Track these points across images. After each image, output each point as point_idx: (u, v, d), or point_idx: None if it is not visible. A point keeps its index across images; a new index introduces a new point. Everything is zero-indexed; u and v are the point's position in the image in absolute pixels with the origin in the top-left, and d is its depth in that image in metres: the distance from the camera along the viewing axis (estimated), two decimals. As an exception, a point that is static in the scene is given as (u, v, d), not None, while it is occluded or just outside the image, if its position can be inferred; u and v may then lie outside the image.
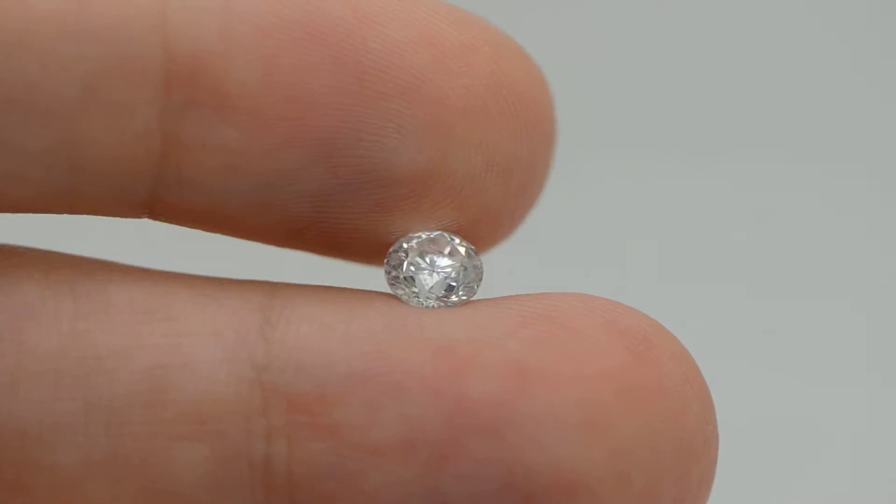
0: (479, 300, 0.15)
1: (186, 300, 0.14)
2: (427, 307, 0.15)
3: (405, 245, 0.15)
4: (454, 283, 0.15)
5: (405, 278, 0.15)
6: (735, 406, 0.22)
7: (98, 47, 0.13)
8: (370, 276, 0.17)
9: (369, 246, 0.15)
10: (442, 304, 0.15)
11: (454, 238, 0.15)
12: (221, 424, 0.14)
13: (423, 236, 0.15)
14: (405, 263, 0.15)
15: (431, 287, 0.15)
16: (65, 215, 0.14)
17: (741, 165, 0.40)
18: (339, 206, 0.14)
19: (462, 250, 0.15)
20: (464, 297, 0.15)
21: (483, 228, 0.15)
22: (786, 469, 0.35)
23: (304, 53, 0.14)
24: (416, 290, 0.15)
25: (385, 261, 0.15)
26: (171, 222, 0.15)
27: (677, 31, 0.41)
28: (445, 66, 0.14)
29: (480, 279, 0.15)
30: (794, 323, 0.38)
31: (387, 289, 0.15)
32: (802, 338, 0.37)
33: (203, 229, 0.15)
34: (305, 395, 0.14)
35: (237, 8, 0.14)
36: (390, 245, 0.15)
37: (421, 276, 0.15)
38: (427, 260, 0.15)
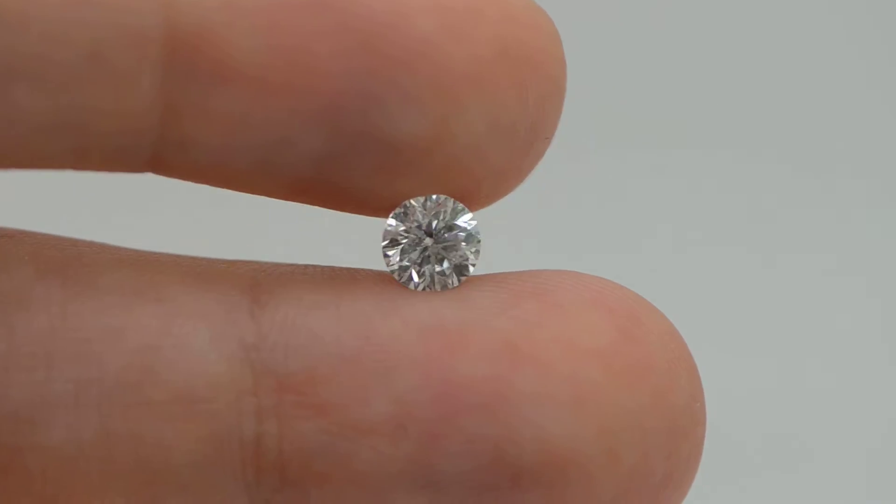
0: (468, 277, 0.15)
1: (176, 281, 0.14)
2: (421, 290, 0.15)
3: (403, 223, 0.15)
4: (448, 267, 0.15)
5: (400, 268, 0.15)
6: (723, 383, 0.22)
7: (100, 16, 0.13)
8: (361, 257, 0.17)
9: (374, 204, 0.15)
10: (441, 284, 0.15)
11: (455, 205, 0.15)
12: (212, 404, 0.14)
13: (424, 210, 0.15)
14: (401, 239, 0.15)
15: (425, 267, 0.15)
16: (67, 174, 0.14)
17: (740, 154, 0.40)
18: (342, 169, 0.14)
19: (462, 227, 0.15)
20: (461, 279, 0.15)
21: (487, 186, 0.15)
22: (774, 446, 0.35)
23: (308, 20, 0.13)
24: (411, 273, 0.15)
25: (382, 238, 0.15)
26: (174, 177, 0.15)
27: (685, 18, 0.41)
28: (451, 31, 0.14)
29: (473, 265, 0.15)
30: (783, 303, 0.38)
31: (377, 265, 0.15)
32: (793, 319, 0.37)
33: (206, 184, 0.15)
34: (295, 375, 0.14)
35: None
36: (395, 204, 0.15)
37: (414, 268, 0.15)
38: (423, 236, 0.15)
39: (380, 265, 0.15)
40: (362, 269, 0.15)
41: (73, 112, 0.13)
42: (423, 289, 0.15)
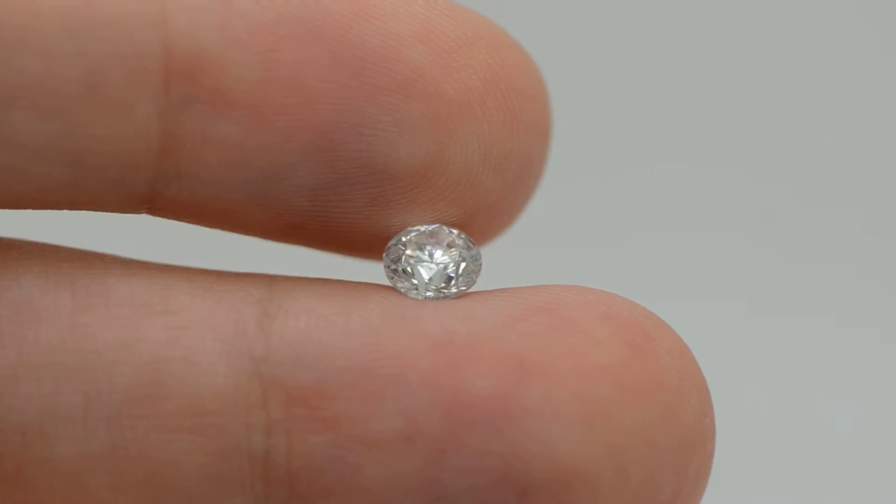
0: (477, 292, 0.15)
1: (185, 293, 0.14)
2: (426, 299, 0.15)
3: (404, 238, 0.15)
4: (452, 275, 0.15)
5: (404, 271, 0.15)
6: (732, 398, 0.22)
7: (99, 44, 0.13)
8: (369, 269, 0.17)
9: (368, 240, 0.15)
10: (441, 296, 0.15)
11: (452, 231, 0.15)
12: (220, 417, 0.14)
13: (422, 229, 0.15)
14: (404, 256, 0.15)
15: (430, 279, 0.15)
16: (65, 212, 0.14)
17: (742, 163, 0.40)
18: (337, 201, 0.14)
19: (460, 242, 0.15)
20: (462, 289, 0.15)
21: (480, 221, 0.15)
22: (782, 461, 0.35)
23: (302, 49, 0.14)
24: (414, 282, 0.15)
25: (384, 254, 0.15)
26: (169, 217, 0.15)
27: (680, 29, 0.41)
28: (442, 61, 0.14)
29: (479, 270, 0.15)
30: (790, 316, 0.38)
31: (385, 282, 0.15)
32: (801, 331, 0.37)
33: (202, 224, 0.15)
34: (304, 388, 0.14)
35: (236, 4, 0.14)
36: (388, 239, 0.15)
37: (419, 269, 0.15)
38: (425, 252, 0.15)
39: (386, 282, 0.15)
40: (371, 283, 0.15)
41: (71, 140, 0.13)
42: (429, 297, 0.15)
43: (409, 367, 0.14)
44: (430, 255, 0.15)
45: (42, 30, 0.13)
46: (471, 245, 0.15)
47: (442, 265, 0.15)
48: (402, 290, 0.15)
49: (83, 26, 0.13)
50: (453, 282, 0.15)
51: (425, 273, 0.15)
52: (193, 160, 0.14)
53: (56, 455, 0.14)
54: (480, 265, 0.15)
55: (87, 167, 0.14)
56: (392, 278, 0.15)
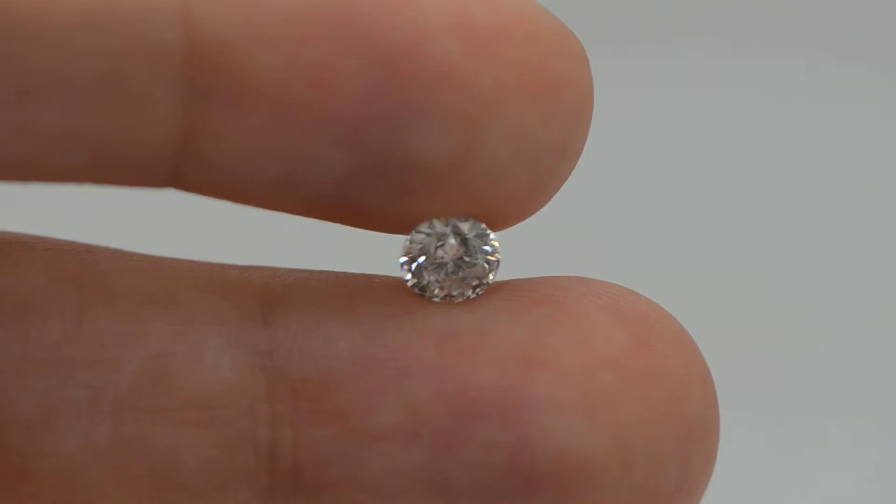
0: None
1: (190, 287, 0.14)
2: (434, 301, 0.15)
3: (420, 239, 0.15)
4: (464, 293, 0.15)
5: (417, 273, 0.15)
6: (737, 389, 0.22)
7: (119, 34, 0.13)
8: (374, 262, 0.17)
9: (393, 223, 0.15)
10: (450, 299, 0.15)
11: (475, 225, 0.15)
12: (226, 411, 0.14)
13: (443, 227, 0.14)
14: (416, 264, 0.15)
15: (440, 287, 0.15)
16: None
17: (744, 162, 0.40)
18: (363, 189, 0.14)
19: (482, 247, 0.15)
20: (472, 296, 0.15)
21: (508, 210, 0.15)
22: (787, 452, 0.35)
23: (330, 39, 0.13)
24: (424, 284, 0.15)
25: (402, 255, 0.15)
26: (195, 193, 0.14)
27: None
28: (476, 53, 0.14)
29: (493, 278, 0.15)
30: (794, 310, 0.38)
31: (389, 271, 0.15)
32: (804, 328, 0.37)
33: (227, 200, 0.15)
34: (309, 382, 0.14)
35: None
36: (414, 225, 0.15)
37: (431, 277, 0.15)
38: (439, 264, 0.15)
39: (394, 272, 0.15)
40: (377, 276, 0.15)
41: (89, 129, 0.13)
42: (439, 300, 0.15)
43: (415, 359, 0.14)
44: (448, 248, 0.15)
45: (59, 19, 0.13)
46: (492, 257, 0.15)
47: (457, 268, 0.15)
48: (414, 287, 0.15)
49: (102, 16, 0.13)
50: (465, 284, 0.15)
51: (436, 290, 0.15)
52: (216, 150, 0.14)
53: (61, 449, 0.14)
54: (493, 278, 0.15)
55: (107, 154, 0.13)
56: (405, 274, 0.15)
